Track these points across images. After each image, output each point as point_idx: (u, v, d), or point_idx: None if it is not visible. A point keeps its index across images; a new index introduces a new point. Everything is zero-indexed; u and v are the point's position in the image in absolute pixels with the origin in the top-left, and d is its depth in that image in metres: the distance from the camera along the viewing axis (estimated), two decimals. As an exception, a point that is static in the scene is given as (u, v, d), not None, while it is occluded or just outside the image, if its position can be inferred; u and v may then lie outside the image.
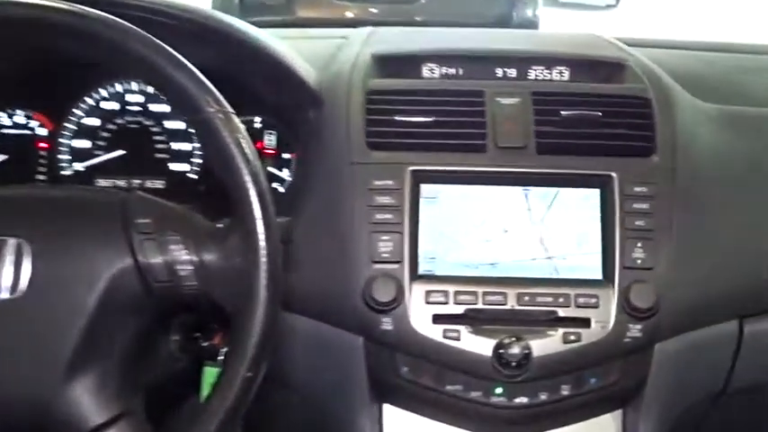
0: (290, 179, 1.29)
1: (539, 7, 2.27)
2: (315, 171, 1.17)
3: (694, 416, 1.23)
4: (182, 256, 0.89)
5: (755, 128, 1.28)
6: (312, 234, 1.13)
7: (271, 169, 1.29)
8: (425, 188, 1.13)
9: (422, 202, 1.12)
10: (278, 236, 0.87)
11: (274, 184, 1.29)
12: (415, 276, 1.10)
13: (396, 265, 1.09)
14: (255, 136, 1.29)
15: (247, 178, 0.85)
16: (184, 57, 0.88)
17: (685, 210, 1.13)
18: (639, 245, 1.10)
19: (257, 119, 1.30)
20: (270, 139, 1.30)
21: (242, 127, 0.87)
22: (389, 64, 1.27)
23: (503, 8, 2.17)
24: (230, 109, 0.87)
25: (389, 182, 1.12)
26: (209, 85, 0.87)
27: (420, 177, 1.13)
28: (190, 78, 0.87)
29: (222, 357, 1.06)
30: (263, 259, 0.85)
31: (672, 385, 1.16)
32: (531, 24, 2.20)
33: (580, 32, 1.49)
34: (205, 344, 1.09)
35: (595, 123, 1.17)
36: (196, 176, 1.31)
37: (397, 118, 1.17)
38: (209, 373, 1.08)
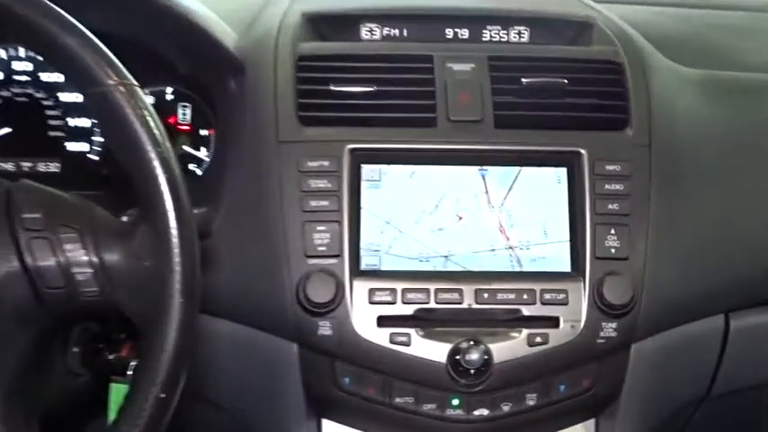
0: (208, 160, 1.27)
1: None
2: (237, 151, 1.15)
3: (675, 423, 1.24)
4: (78, 256, 0.85)
5: (742, 96, 1.28)
6: (235, 225, 1.11)
7: (185, 148, 1.27)
8: (367, 170, 1.11)
9: (363, 185, 1.11)
10: (194, 229, 0.83)
11: (190, 166, 1.27)
12: (357, 272, 1.08)
13: (334, 260, 1.08)
14: (167, 110, 1.27)
15: (156, 163, 0.81)
16: (77, 19, 0.83)
17: (664, 191, 1.13)
18: (613, 231, 1.10)
19: (168, 90, 1.27)
20: (184, 113, 1.27)
21: (147, 102, 0.83)
22: (322, 24, 1.24)
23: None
24: (133, 81, 0.83)
25: (325, 162, 1.10)
26: (106, 52, 0.83)
27: (360, 157, 1.11)
28: (83, 44, 0.82)
29: (131, 372, 1.03)
30: (177, 259, 0.81)
31: (650, 390, 1.16)
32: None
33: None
34: (111, 356, 1.06)
35: (560, 92, 1.16)
36: (97, 158, 1.28)
37: (332, 88, 1.15)
38: (117, 392, 1.05)
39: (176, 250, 0.81)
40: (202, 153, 1.27)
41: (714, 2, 1.58)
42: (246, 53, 1.18)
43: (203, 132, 1.28)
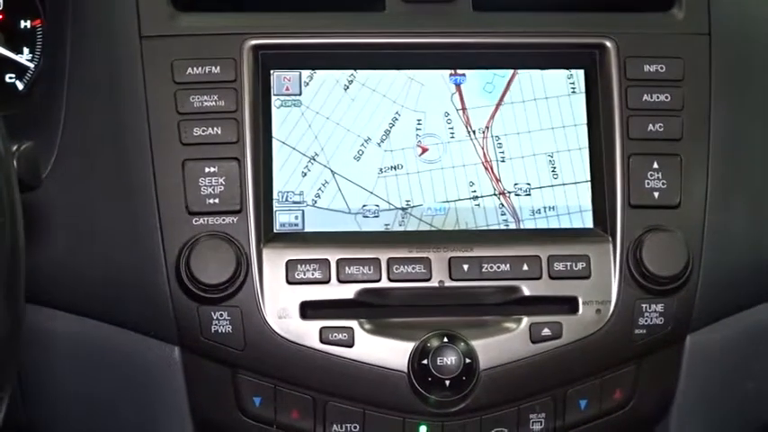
0: (33, 67, 1.25)
1: None
2: (79, 53, 1.13)
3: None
4: None
5: None
6: (78, 168, 1.09)
7: (-2, 50, 1.25)
8: (280, 78, 1.11)
9: (275, 103, 1.10)
10: (13, 176, 0.81)
11: (7, 78, 1.25)
12: (269, 236, 1.08)
13: (232, 218, 1.07)
14: None
15: None
16: None
17: (732, 103, 1.13)
18: (656, 166, 1.10)
19: None
20: (-6, -5, 1.25)
21: None
22: None
23: None
24: None
25: (214, 68, 1.09)
26: None
27: (269, 59, 1.10)
28: None
29: None
30: None
31: (714, 404, 1.16)
32: None
33: None
34: None
35: None
36: None
37: None
38: None
39: None
40: (24, 57, 1.26)
41: None
42: None
43: (24, 24, 1.26)
